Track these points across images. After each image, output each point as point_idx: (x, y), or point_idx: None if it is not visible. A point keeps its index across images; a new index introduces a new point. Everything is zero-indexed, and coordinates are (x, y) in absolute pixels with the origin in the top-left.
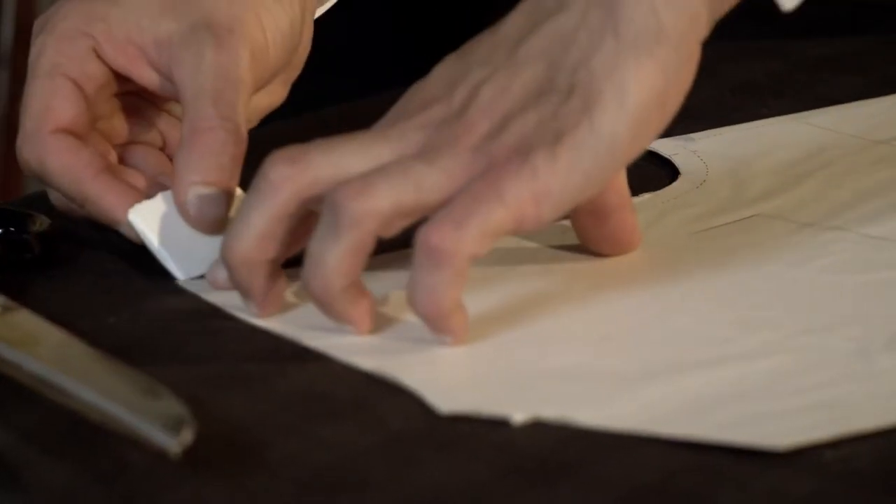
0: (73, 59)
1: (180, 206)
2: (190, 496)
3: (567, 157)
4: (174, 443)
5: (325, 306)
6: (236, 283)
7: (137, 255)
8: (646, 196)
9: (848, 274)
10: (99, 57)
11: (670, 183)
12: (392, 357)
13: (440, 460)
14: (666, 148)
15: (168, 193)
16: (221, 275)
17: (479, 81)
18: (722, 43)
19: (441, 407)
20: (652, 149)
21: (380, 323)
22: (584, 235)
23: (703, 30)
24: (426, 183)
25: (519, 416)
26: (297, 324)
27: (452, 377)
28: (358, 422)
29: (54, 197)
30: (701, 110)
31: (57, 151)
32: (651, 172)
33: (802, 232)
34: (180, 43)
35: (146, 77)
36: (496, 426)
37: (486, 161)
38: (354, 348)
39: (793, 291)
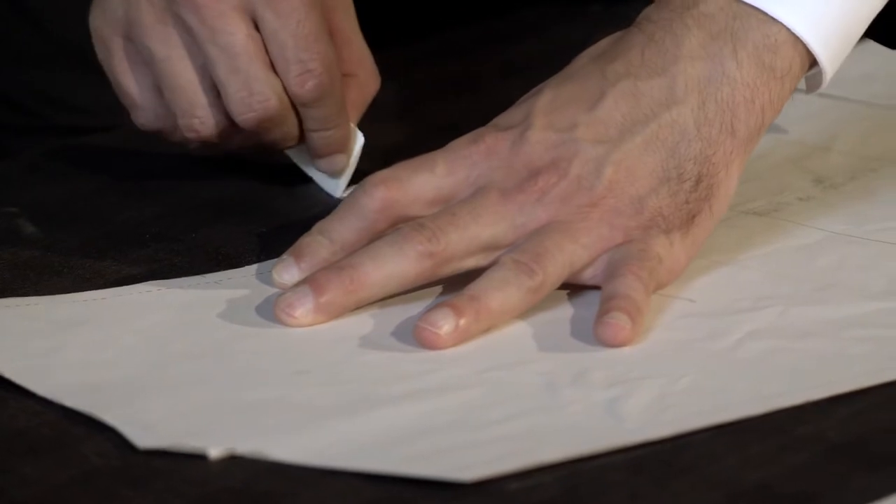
0: None
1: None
2: None
3: (693, 233)
4: None
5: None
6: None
7: None
8: None
9: (540, 311)
10: None
11: None
12: (93, 393)
13: (137, 496)
14: None
15: None
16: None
17: (597, 159)
18: None
19: (139, 442)
20: None
21: (88, 358)
22: None
23: None
24: (578, 261)
25: (215, 451)
26: (5, 357)
27: (151, 412)
28: (58, 458)
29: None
30: None
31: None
32: None
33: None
34: None
35: None
36: (193, 460)
37: (623, 236)
38: (57, 384)
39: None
